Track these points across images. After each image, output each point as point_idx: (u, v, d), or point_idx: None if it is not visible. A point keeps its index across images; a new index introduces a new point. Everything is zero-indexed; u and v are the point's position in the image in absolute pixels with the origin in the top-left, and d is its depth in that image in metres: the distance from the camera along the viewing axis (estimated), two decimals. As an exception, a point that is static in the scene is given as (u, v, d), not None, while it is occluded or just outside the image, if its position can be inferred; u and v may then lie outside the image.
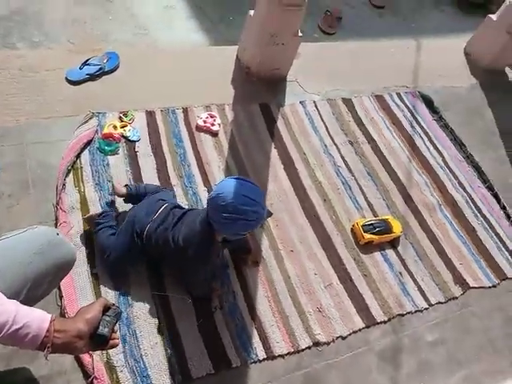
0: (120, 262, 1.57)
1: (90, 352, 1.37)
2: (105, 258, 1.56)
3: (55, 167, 1.79)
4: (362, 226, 1.96)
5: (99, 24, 2.63)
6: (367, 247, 1.95)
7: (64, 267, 1.18)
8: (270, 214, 1.45)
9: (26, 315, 0.90)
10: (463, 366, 1.76)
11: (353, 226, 2.00)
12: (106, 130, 1.96)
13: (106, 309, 1.04)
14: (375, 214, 2.08)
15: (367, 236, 1.93)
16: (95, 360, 1.39)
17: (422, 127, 2.58)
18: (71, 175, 1.79)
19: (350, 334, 1.69)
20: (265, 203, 1.44)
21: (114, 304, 1.07)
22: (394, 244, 2.01)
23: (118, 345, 1.05)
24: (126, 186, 1.72)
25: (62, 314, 1.47)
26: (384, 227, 1.98)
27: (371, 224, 1.97)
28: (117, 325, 1.07)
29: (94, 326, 0.98)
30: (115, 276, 1.59)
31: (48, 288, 1.16)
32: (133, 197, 1.70)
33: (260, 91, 2.41)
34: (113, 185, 1.76)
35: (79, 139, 1.88)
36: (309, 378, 1.56)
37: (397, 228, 2.01)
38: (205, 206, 1.78)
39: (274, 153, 2.17)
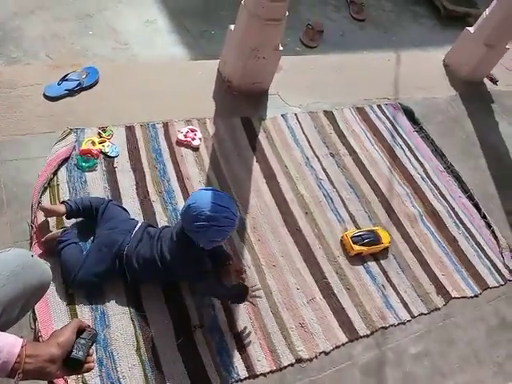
0: (89, 280, 1.53)
1: (65, 376, 1.33)
2: (72, 276, 1.51)
3: (32, 185, 1.75)
4: (351, 237, 1.95)
5: (79, 39, 2.61)
6: (351, 259, 1.94)
7: (39, 289, 1.15)
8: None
9: None
10: (447, 378, 1.75)
11: (342, 237, 2.00)
12: (84, 146, 1.93)
13: (81, 331, 1.01)
14: (357, 226, 2.07)
15: (356, 247, 1.92)
16: (70, 384, 1.35)
17: (402, 138, 2.60)
18: (47, 193, 1.76)
19: (333, 349, 1.67)
20: (236, 210, 1.48)
21: (89, 326, 1.04)
22: (376, 256, 2.00)
23: (93, 368, 1.01)
24: (62, 202, 1.65)
25: (36, 338, 1.42)
26: (373, 238, 1.98)
27: (360, 235, 1.97)
28: (92, 347, 1.03)
29: (67, 349, 0.95)
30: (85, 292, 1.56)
31: (22, 311, 1.12)
32: (74, 213, 1.64)
33: (241, 105, 2.41)
34: (42, 208, 1.64)
35: (56, 156, 1.85)
36: (292, 396, 1.54)
37: (385, 238, 2.02)
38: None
39: (255, 166, 2.16)
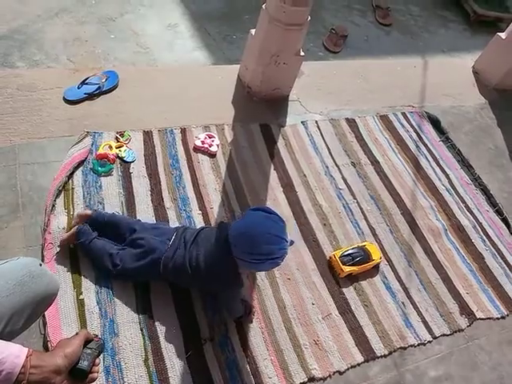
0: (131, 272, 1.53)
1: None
2: (116, 269, 1.51)
3: (47, 189, 1.74)
4: (340, 257, 1.81)
5: (100, 42, 2.62)
6: (370, 274, 1.86)
7: (45, 299, 1.14)
8: (292, 243, 1.43)
9: (0, 351, 0.85)
10: (469, 406, 1.66)
11: (330, 258, 1.85)
12: (100, 151, 1.92)
13: (88, 341, 1.00)
14: (377, 240, 1.99)
15: (347, 269, 1.79)
16: (76, 395, 1.32)
17: (428, 148, 2.51)
18: (62, 196, 1.75)
19: (348, 369, 1.60)
20: (287, 234, 1.41)
21: (96, 335, 1.04)
22: (396, 268, 1.92)
23: (96, 378, 1.00)
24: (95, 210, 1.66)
25: (45, 343, 1.41)
26: (363, 256, 1.84)
27: (349, 254, 1.83)
28: (99, 357, 1.02)
29: (73, 360, 0.94)
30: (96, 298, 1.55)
31: (27, 321, 1.10)
32: (100, 219, 1.62)
33: (261, 111, 2.36)
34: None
35: (72, 159, 1.84)
36: (303, 417, 1.48)
37: (376, 254, 1.88)
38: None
39: (273, 175, 2.11)
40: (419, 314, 1.82)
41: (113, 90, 2.20)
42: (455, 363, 1.73)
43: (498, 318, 1.90)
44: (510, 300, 1.97)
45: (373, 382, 1.60)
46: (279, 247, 1.36)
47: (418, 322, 1.79)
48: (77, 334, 1.00)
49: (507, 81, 3.06)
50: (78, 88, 2.12)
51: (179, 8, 3.00)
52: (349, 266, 1.80)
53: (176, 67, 2.61)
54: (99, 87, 2.15)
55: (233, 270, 1.44)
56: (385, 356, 1.67)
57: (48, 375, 0.88)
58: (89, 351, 0.98)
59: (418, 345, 1.73)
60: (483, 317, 1.88)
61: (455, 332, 1.81)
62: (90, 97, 2.12)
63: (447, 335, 1.79)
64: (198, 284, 1.55)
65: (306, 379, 1.54)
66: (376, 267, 1.90)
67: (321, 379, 1.55)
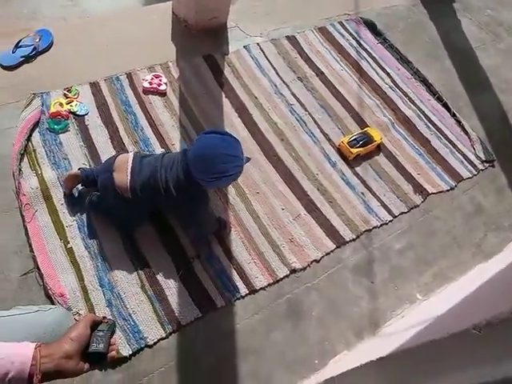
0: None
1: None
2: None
3: (7, 156, 1.78)
4: (348, 142, 2.09)
5: (25, 2, 2.52)
6: (328, 176, 2.02)
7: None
8: (248, 160, 1.55)
9: (10, 349, 0.87)
10: (431, 265, 1.88)
11: (339, 145, 2.13)
12: (52, 109, 1.94)
13: (97, 324, 1.01)
14: (332, 144, 2.14)
15: (355, 150, 2.07)
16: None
17: (367, 52, 2.61)
18: (26, 159, 1.79)
19: (323, 257, 1.79)
20: (242, 152, 1.51)
21: (105, 317, 1.05)
22: (353, 165, 2.09)
23: (115, 355, 1.01)
24: (79, 169, 1.71)
25: (47, 292, 1.52)
26: (366, 138, 2.12)
27: (355, 139, 2.10)
28: (114, 337, 1.03)
29: (82, 343, 0.95)
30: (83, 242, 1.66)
31: None
32: (90, 178, 1.67)
33: (202, 43, 2.39)
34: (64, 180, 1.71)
35: (26, 122, 1.87)
36: (291, 303, 1.67)
37: (376, 136, 2.15)
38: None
39: (226, 102, 2.18)
40: (378, 199, 2.01)
41: (49, 48, 2.18)
42: (415, 234, 1.95)
43: (447, 190, 2.11)
44: (456, 172, 2.18)
45: (346, 263, 1.81)
46: (233, 165, 1.47)
47: (378, 207, 1.98)
48: (81, 319, 1.01)
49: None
50: (13, 52, 2.09)
51: (97, -48, 2.87)
52: (356, 148, 2.07)
53: (108, 15, 2.54)
54: (35, 48, 2.12)
55: (197, 188, 1.55)
56: (353, 240, 1.87)
57: (59, 361, 0.89)
58: (101, 333, 0.98)
59: (381, 225, 1.94)
60: (435, 191, 2.09)
61: (412, 208, 2.01)
62: (28, 59, 2.10)
63: (405, 213, 2.00)
64: (171, 202, 1.61)
65: (288, 272, 1.73)
66: (378, 147, 2.17)
67: (301, 269, 1.75)
